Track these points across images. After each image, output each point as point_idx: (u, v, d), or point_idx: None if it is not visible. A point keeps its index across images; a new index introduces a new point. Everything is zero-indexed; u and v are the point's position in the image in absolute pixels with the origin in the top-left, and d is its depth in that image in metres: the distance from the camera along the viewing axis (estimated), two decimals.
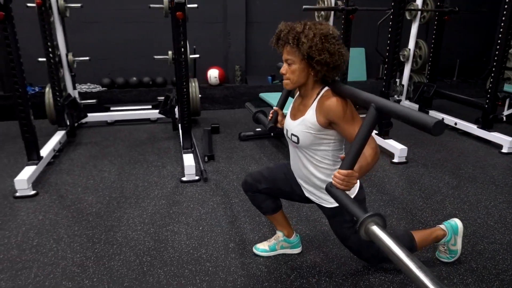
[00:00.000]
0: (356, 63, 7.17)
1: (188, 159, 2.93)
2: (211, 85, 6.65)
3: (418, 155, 3.42)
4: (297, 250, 2.01)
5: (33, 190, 2.65)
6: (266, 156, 3.37)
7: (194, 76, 4.94)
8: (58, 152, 3.40)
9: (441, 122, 1.07)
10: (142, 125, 4.30)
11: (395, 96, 5.07)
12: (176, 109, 3.84)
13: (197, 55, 4.31)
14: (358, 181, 1.59)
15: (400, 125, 4.16)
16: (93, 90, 6.12)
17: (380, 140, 3.44)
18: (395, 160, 3.23)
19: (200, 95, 4.26)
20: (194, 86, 4.19)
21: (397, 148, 3.23)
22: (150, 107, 4.55)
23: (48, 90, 3.79)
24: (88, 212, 2.42)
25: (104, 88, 6.24)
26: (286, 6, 6.40)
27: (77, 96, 4.15)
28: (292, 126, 1.59)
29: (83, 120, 4.12)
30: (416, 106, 4.66)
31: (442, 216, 2.37)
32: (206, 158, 3.26)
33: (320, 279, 1.80)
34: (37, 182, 2.78)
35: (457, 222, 1.88)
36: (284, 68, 1.51)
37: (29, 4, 3.51)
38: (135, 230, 2.21)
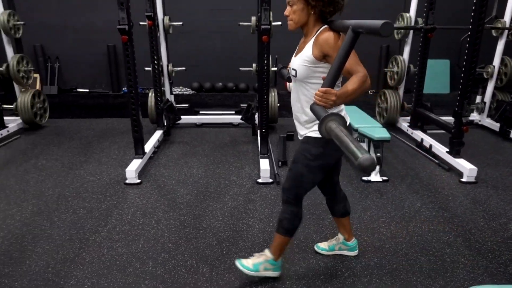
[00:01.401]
0: (439, 75, 7.01)
1: (264, 164, 3.33)
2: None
3: (490, 176, 3.42)
4: (353, 253, 2.28)
5: (139, 179, 3.26)
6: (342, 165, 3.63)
7: (275, 85, 5.35)
8: (157, 149, 4.03)
9: (388, 22, 1.21)
10: (225, 129, 4.82)
11: (475, 113, 4.97)
12: (256, 116, 4.27)
13: (280, 66, 4.69)
14: (343, 107, 1.80)
15: (474, 144, 4.17)
16: (184, 93, 6.87)
17: (450, 159, 3.50)
18: (464, 179, 3.29)
19: (278, 104, 4.65)
20: (273, 96, 4.59)
21: (466, 168, 3.28)
22: (233, 112, 5.06)
23: (151, 94, 4.47)
24: (181, 201, 2.94)
25: (193, 92, 6.95)
26: None
27: (173, 100, 4.80)
28: (293, 61, 1.77)
29: (178, 122, 4.76)
30: (497, 125, 4.54)
31: (502, 238, 2.46)
32: (280, 163, 3.63)
33: (371, 280, 2.07)
34: (141, 172, 3.40)
35: (275, 273, 2.02)
36: (287, 10, 1.73)
37: (141, 23, 4.20)
38: (217, 220, 2.66)
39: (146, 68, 4.35)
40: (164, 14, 4.39)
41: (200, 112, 5.10)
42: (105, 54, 6.83)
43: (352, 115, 2.37)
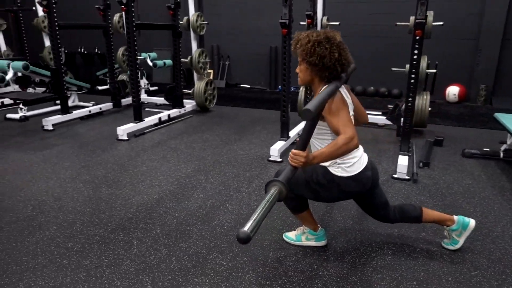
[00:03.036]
0: None
1: (403, 160, 3.28)
2: (448, 101, 6.51)
3: None
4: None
5: (280, 158, 3.61)
6: (486, 176, 3.31)
7: (432, 91, 5.07)
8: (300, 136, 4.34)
9: (307, 109, 1.37)
10: (369, 128, 4.83)
11: None
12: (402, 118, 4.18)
13: (434, 70, 4.48)
14: (357, 155, 1.85)
15: None
16: None
17: None
18: None
19: (430, 109, 4.43)
20: (424, 99, 4.40)
21: None
22: (380, 113, 5.03)
23: (302, 89, 4.82)
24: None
25: None
26: None
27: None
28: None
29: None
30: None
31: None
32: (421, 163, 3.50)
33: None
34: (283, 153, 3.75)
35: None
36: (297, 68, 1.84)
37: (301, 23, 4.58)
38: (343, 206, 2.78)
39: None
40: (323, 15, 4.68)
41: None
42: (266, 54, 7.57)
43: None
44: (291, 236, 2.27)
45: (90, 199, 2.80)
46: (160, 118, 4.85)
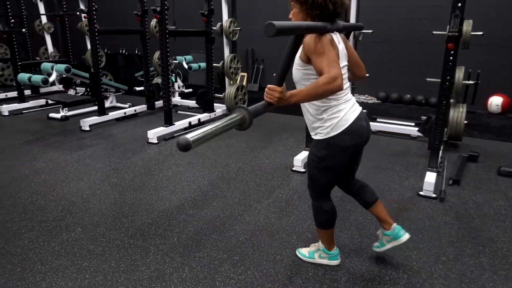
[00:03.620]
0: None
1: (430, 176, 3.16)
2: (490, 112, 6.18)
3: None
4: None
5: (303, 168, 3.59)
6: None
7: (472, 101, 4.83)
8: None
9: (270, 23, 1.26)
10: (400, 139, 4.69)
11: None
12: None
13: (471, 82, 4.27)
14: (340, 110, 1.79)
15: None
16: (369, 101, 6.92)
17: None
18: None
19: (466, 121, 4.23)
20: (460, 111, 4.21)
21: None
22: (413, 124, 4.87)
23: None
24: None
25: (378, 101, 6.93)
26: None
27: None
28: None
29: None
30: None
31: None
32: (451, 181, 3.36)
33: None
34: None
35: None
36: (290, 13, 1.79)
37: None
38: (365, 218, 2.73)
39: None
40: (357, 22, 4.59)
41: (377, 119, 5.10)
42: None
43: None
44: (304, 252, 2.26)
45: (116, 202, 2.92)
46: (190, 123, 4.97)
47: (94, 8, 4.71)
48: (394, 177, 3.50)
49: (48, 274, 2.08)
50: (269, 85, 1.57)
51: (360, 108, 1.90)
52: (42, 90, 6.83)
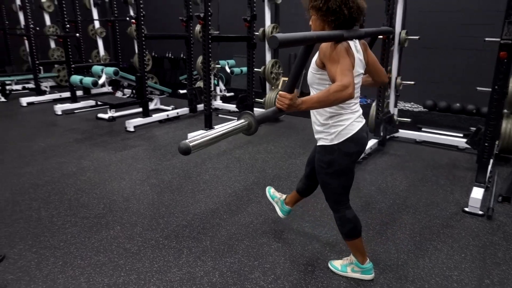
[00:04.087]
0: None
1: (477, 192, 2.98)
2: None
3: None
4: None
5: None
6: None
7: None
8: (367, 156, 4.18)
9: (274, 36, 1.29)
10: (447, 151, 4.47)
11: None
12: None
13: None
14: (345, 117, 1.84)
15: None
16: (414, 110, 6.66)
17: None
18: None
19: None
20: None
21: None
22: (461, 135, 4.62)
23: (374, 104, 4.63)
24: (373, 206, 3.02)
25: (425, 110, 6.64)
26: None
27: (395, 113, 4.81)
28: None
29: (395, 134, 4.75)
30: None
31: None
32: (500, 197, 3.15)
33: None
34: None
35: (371, 275, 2.10)
36: (310, 20, 1.81)
37: (379, 36, 4.40)
38: (403, 233, 2.62)
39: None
40: (403, 28, 4.44)
41: (423, 129, 4.89)
42: None
43: None
44: (336, 265, 2.21)
45: (153, 203, 3.01)
46: None
47: (142, 14, 4.90)
48: (437, 191, 3.33)
49: (87, 269, 2.18)
50: (280, 92, 1.62)
51: (364, 120, 1.95)
52: (93, 91, 7.19)
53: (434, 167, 3.91)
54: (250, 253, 2.36)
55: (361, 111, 1.94)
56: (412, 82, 4.67)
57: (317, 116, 1.91)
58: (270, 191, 2.67)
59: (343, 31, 1.68)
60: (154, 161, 3.94)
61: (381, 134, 4.49)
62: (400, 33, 4.40)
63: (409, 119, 4.90)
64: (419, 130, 4.91)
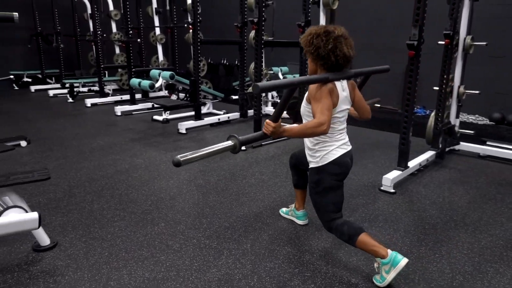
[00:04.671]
0: None
1: None
2: None
3: None
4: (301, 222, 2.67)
5: (393, 189, 3.32)
6: None
7: None
8: (423, 168, 3.92)
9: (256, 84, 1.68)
10: (498, 163, 4.08)
11: None
12: None
13: None
14: (331, 145, 2.09)
15: None
16: (479, 122, 6.19)
17: None
18: None
19: None
20: None
21: None
22: None
23: (432, 115, 4.35)
24: (427, 221, 2.81)
25: (491, 123, 6.15)
26: None
27: (457, 124, 4.49)
28: None
29: (456, 147, 4.43)
30: None
31: None
32: None
33: None
34: (398, 184, 3.44)
35: (402, 260, 1.96)
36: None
37: (439, 42, 4.15)
38: (460, 252, 2.40)
39: (434, 88, 4.27)
40: (468, 34, 4.15)
41: (487, 142, 4.51)
42: (402, 73, 7.06)
43: None
44: (378, 278, 2.06)
45: (198, 203, 3.04)
46: None
47: (198, 21, 5.04)
48: (502, 210, 3.03)
49: (130, 262, 2.23)
50: (267, 120, 2.01)
51: (350, 147, 2.17)
52: (151, 94, 7.52)
53: (499, 184, 3.57)
54: (291, 260, 2.28)
55: (346, 139, 2.17)
56: (477, 92, 4.33)
57: (307, 142, 2.18)
58: (283, 210, 2.85)
59: (328, 74, 1.97)
60: (202, 162, 4.00)
61: (440, 146, 4.21)
62: (465, 38, 4.11)
63: (471, 132, 4.55)
64: (483, 143, 4.54)
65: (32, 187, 3.22)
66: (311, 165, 2.16)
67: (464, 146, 4.44)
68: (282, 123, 2.04)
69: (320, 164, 2.10)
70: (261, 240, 2.49)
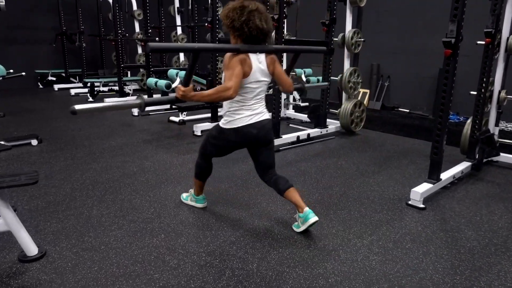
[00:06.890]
0: None
1: None
2: None
3: None
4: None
5: (423, 204, 2.96)
6: None
7: None
8: (457, 180, 3.53)
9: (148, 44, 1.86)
10: None
11: None
12: None
13: None
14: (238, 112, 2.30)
15: None
16: None
17: None
18: None
19: None
20: None
21: None
22: None
23: (469, 122, 3.94)
24: (462, 244, 2.44)
25: None
26: None
27: (496, 133, 4.05)
28: None
29: (494, 158, 4.00)
30: None
31: None
32: None
33: None
34: (428, 198, 3.07)
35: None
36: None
37: (478, 42, 3.74)
38: (505, 285, 2.04)
39: (471, 92, 3.87)
40: (511, 32, 3.73)
41: None
42: (432, 77, 6.61)
43: None
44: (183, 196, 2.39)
45: (204, 212, 2.78)
46: (298, 137, 4.68)
47: (217, 18, 4.82)
48: None
49: (120, 279, 1.99)
50: (178, 85, 2.13)
51: (263, 118, 2.35)
52: (170, 95, 7.36)
53: None
54: (302, 285, 1.98)
55: (261, 110, 2.34)
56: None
57: (224, 104, 2.36)
58: (295, 225, 2.60)
59: (240, 45, 2.18)
60: (214, 167, 3.73)
61: (476, 156, 3.79)
62: (508, 38, 3.69)
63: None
64: None
65: (33, 189, 3.06)
66: (219, 122, 2.43)
67: (504, 157, 3.99)
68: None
69: (223, 127, 2.36)
70: (269, 260, 2.21)
